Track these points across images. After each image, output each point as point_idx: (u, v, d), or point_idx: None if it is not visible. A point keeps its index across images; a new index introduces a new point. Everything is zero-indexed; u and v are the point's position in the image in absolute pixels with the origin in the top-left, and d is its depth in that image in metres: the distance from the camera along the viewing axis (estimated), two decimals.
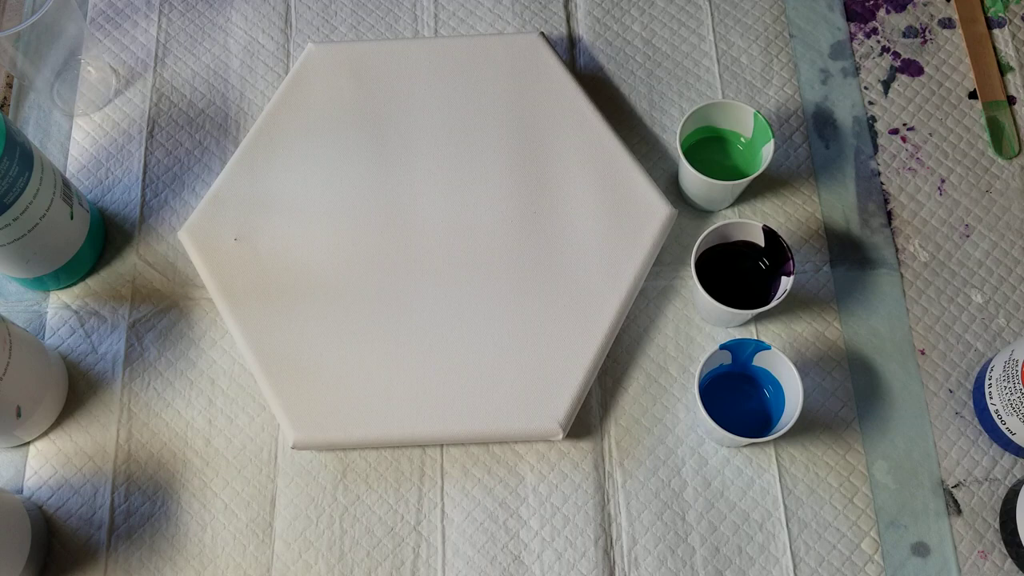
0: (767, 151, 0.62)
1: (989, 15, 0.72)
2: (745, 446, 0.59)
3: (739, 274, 0.61)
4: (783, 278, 0.58)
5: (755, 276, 0.61)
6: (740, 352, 0.57)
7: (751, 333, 0.63)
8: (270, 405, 0.59)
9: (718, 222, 0.60)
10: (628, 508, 0.59)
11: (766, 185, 0.66)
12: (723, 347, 0.56)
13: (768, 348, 0.56)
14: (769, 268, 0.61)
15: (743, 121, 0.63)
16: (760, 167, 0.61)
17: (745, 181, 0.61)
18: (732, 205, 0.66)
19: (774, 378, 0.58)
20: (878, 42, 0.72)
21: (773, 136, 0.61)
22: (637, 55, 0.71)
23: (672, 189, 0.66)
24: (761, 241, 0.60)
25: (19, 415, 0.57)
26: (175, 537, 0.58)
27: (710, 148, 0.65)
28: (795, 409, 0.54)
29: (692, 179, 0.62)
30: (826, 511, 0.58)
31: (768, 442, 0.59)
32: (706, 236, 0.59)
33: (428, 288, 0.62)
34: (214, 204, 0.64)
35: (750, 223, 0.59)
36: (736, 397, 0.60)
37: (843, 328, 0.63)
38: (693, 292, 0.62)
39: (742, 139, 0.65)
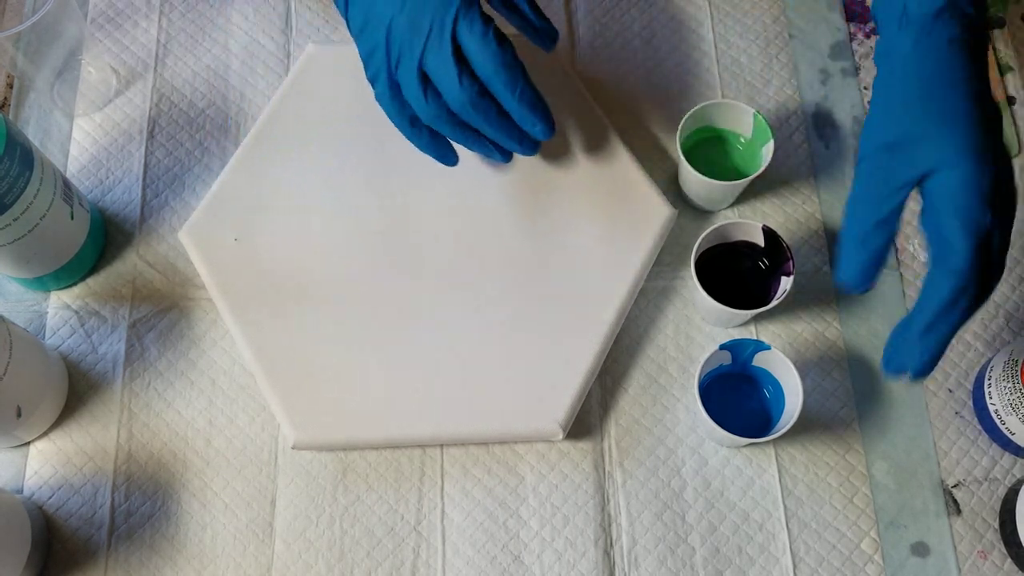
0: (767, 151, 0.62)
1: (989, 15, 0.72)
2: (744, 446, 0.59)
3: (739, 274, 0.61)
4: (783, 278, 0.58)
5: (755, 276, 0.61)
6: (740, 352, 0.57)
7: (751, 333, 0.63)
8: (270, 405, 0.59)
9: (718, 222, 0.60)
10: (628, 508, 0.59)
11: (766, 185, 0.66)
12: (723, 347, 0.56)
13: (768, 348, 0.56)
14: (769, 268, 0.61)
15: (743, 121, 0.63)
16: (760, 167, 0.61)
17: (745, 181, 0.61)
18: (732, 205, 0.66)
19: (774, 378, 0.58)
20: None
21: (773, 136, 0.61)
22: (637, 55, 0.71)
23: (672, 189, 0.66)
24: (761, 241, 0.60)
25: (19, 415, 0.57)
26: (175, 537, 0.58)
27: (710, 148, 0.65)
28: (795, 409, 0.54)
29: (692, 179, 0.62)
30: (826, 511, 0.58)
31: (768, 442, 0.59)
32: (706, 236, 0.59)
33: (428, 288, 0.62)
34: (214, 204, 0.64)
35: (750, 223, 0.59)
36: (736, 397, 0.60)
37: (843, 328, 0.63)
38: (693, 292, 0.62)
39: (742, 139, 0.65)
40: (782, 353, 0.56)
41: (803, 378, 0.55)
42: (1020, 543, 0.55)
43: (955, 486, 0.59)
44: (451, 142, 0.57)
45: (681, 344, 0.63)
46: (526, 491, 0.59)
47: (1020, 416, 0.56)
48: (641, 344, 0.63)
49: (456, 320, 0.61)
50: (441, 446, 0.60)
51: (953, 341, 0.61)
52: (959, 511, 0.59)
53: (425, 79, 0.52)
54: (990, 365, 0.59)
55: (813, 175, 0.67)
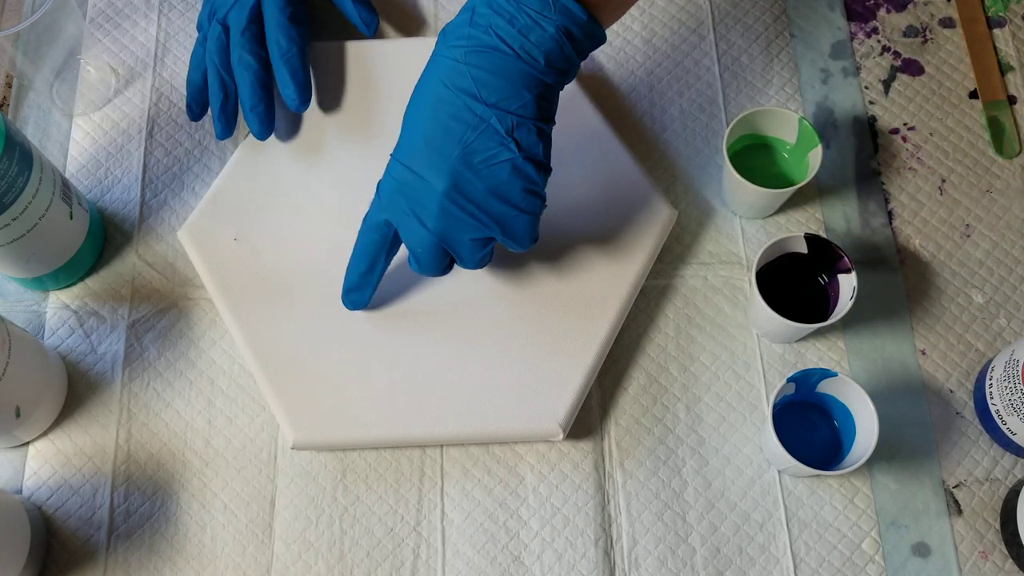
0: (814, 157, 0.61)
1: (989, 15, 0.72)
2: (810, 476, 0.59)
3: (790, 287, 0.60)
4: (841, 276, 0.58)
5: (804, 285, 0.61)
6: (805, 381, 0.56)
7: (753, 335, 0.63)
8: (270, 405, 0.59)
9: (776, 236, 0.59)
10: (628, 509, 0.59)
11: None
12: (790, 380, 0.55)
13: (835, 375, 0.55)
14: (812, 275, 0.60)
15: (787, 127, 0.63)
16: (808, 173, 0.61)
17: (793, 188, 0.60)
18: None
19: (842, 404, 0.57)
20: (878, 42, 0.71)
21: (820, 142, 0.60)
22: (637, 55, 0.71)
23: (672, 189, 0.66)
24: (804, 249, 0.59)
25: (18, 415, 0.57)
26: (174, 537, 0.58)
27: (754, 155, 0.65)
28: (871, 438, 0.53)
29: (741, 188, 0.61)
30: (826, 511, 0.58)
31: (845, 474, 0.59)
32: (765, 250, 0.58)
33: (428, 287, 0.61)
34: (214, 204, 0.64)
35: (794, 236, 0.58)
36: (801, 425, 0.58)
37: (843, 328, 0.63)
38: (751, 311, 0.61)
39: (788, 146, 0.64)
40: (851, 380, 0.55)
41: (876, 404, 0.54)
42: (1021, 544, 0.55)
43: (956, 486, 0.59)
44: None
45: (681, 344, 0.63)
46: (526, 491, 0.59)
47: (1021, 416, 0.55)
48: (641, 344, 0.63)
49: (456, 320, 0.61)
50: (441, 446, 0.60)
51: (954, 341, 0.62)
52: (960, 511, 0.58)
53: (225, 29, 0.63)
54: (991, 365, 0.59)
55: (814, 175, 0.67)
